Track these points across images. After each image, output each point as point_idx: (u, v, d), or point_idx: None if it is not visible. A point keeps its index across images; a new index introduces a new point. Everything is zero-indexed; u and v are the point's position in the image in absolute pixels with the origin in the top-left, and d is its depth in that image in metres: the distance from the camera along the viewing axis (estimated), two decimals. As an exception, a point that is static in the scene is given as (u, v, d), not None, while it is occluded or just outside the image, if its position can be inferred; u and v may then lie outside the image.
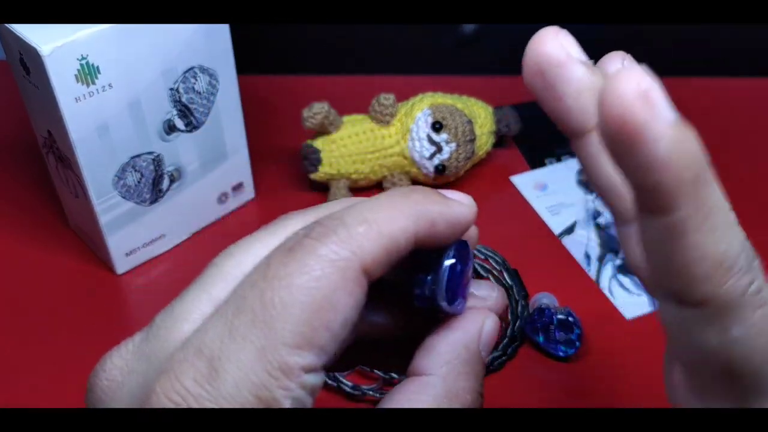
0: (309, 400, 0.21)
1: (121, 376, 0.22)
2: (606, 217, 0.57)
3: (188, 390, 0.20)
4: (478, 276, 0.51)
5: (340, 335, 0.21)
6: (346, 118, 0.57)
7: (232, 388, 0.20)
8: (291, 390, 0.21)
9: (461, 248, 0.26)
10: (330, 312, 0.21)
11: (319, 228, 0.22)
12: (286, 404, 0.21)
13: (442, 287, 0.25)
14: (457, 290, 0.25)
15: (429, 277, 0.25)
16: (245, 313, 0.21)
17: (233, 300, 0.22)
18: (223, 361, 0.20)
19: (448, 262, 0.25)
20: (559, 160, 0.62)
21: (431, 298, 0.25)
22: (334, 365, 0.24)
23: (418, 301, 0.25)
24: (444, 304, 0.25)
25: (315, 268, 0.21)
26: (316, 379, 0.21)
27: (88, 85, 0.44)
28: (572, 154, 0.63)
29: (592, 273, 0.53)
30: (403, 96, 0.59)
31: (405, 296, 0.26)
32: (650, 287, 0.24)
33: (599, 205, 0.58)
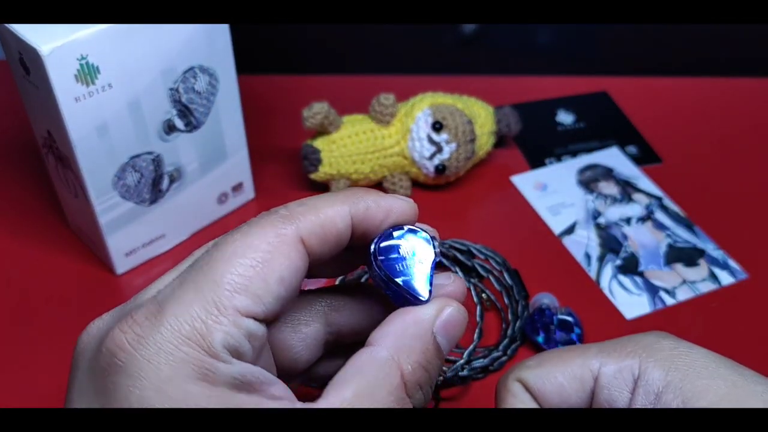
0: (246, 344, 0.24)
1: (97, 330, 0.25)
2: (606, 217, 0.57)
3: (138, 323, 0.23)
4: (478, 276, 0.51)
5: (276, 290, 0.24)
6: (346, 118, 0.57)
7: (173, 321, 0.23)
8: (223, 324, 0.23)
9: (408, 235, 0.29)
10: (267, 268, 0.24)
11: (267, 212, 0.26)
12: (218, 338, 0.23)
13: (374, 264, 0.28)
14: (397, 271, 0.28)
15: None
16: (195, 267, 0.25)
17: (189, 261, 0.27)
18: (171, 301, 0.24)
19: (376, 241, 0.28)
20: (559, 160, 0.62)
21: (379, 278, 0.28)
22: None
23: (375, 282, 0.29)
24: (379, 275, 0.28)
25: (258, 235, 0.25)
26: (254, 326, 0.24)
27: (87, 85, 0.44)
28: (572, 154, 0.63)
29: (592, 273, 0.53)
30: (403, 96, 0.59)
31: (382, 297, 0.30)
32: None
33: (599, 205, 0.58)
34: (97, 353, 0.24)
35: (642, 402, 0.28)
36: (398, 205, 0.28)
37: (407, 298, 0.28)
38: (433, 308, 0.28)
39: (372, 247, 0.28)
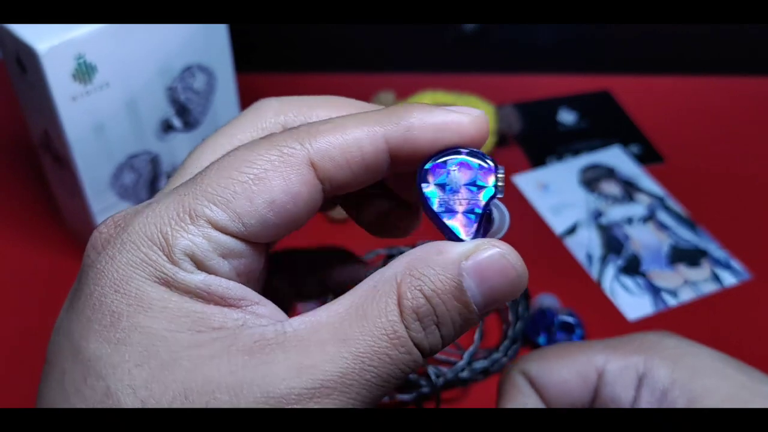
0: (215, 258, 0.22)
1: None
2: (608, 218, 0.57)
3: (115, 224, 0.23)
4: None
5: (263, 213, 0.22)
6: (345, 117, 0.57)
7: (143, 222, 0.22)
8: (191, 233, 0.22)
9: (467, 160, 0.23)
10: (256, 186, 0.22)
11: (290, 128, 0.23)
12: (181, 244, 0.22)
13: (419, 192, 0.23)
14: (442, 204, 0.23)
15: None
16: (186, 178, 0.23)
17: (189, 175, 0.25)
18: (151, 204, 0.23)
19: (423, 164, 0.23)
20: (560, 159, 0.62)
21: (425, 210, 0.24)
22: None
23: (419, 197, 0.24)
24: (424, 206, 0.23)
25: (260, 149, 0.22)
26: (231, 242, 0.22)
27: (84, 84, 0.44)
28: (574, 154, 0.62)
29: (594, 274, 0.53)
30: (403, 94, 0.58)
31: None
32: None
33: (601, 205, 0.58)
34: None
35: (647, 400, 0.28)
36: (453, 119, 0.23)
37: (450, 237, 0.23)
38: (470, 245, 0.23)
39: (418, 171, 0.23)
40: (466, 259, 0.22)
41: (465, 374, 0.45)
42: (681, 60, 0.72)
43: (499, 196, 0.24)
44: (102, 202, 0.48)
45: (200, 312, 0.22)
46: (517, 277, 0.23)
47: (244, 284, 0.23)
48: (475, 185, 0.24)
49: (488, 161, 0.24)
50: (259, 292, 0.23)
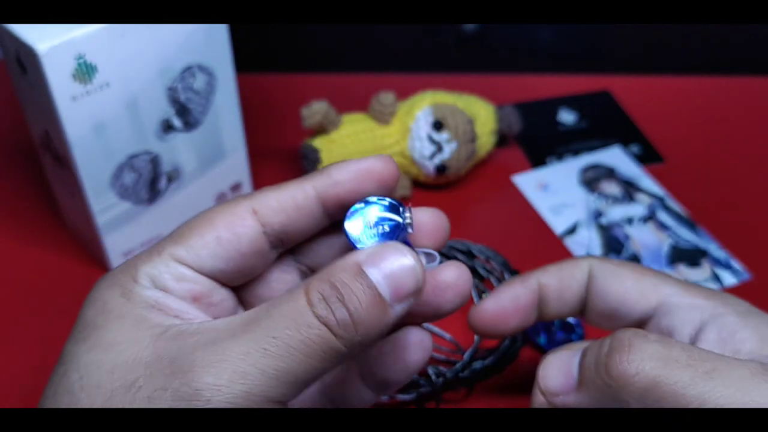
0: (171, 282, 0.28)
1: None
2: (608, 218, 0.57)
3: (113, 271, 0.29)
4: (479, 277, 0.51)
5: (212, 247, 0.28)
6: (345, 117, 0.57)
7: (125, 262, 0.28)
8: (153, 261, 0.28)
9: (372, 206, 0.28)
10: (207, 227, 0.28)
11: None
12: (143, 269, 0.27)
13: (344, 222, 0.28)
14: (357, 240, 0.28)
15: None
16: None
17: None
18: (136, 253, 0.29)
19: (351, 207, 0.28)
20: (560, 159, 0.62)
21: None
22: None
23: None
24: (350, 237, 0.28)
25: (215, 209, 0.29)
26: (186, 271, 0.28)
27: (84, 84, 0.44)
28: (574, 154, 0.62)
29: (594, 274, 0.53)
30: (403, 94, 0.59)
31: None
32: None
33: (601, 205, 0.58)
34: None
35: (711, 338, 0.29)
36: (366, 164, 0.28)
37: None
38: (369, 248, 0.26)
39: (344, 217, 0.28)
40: (365, 256, 0.26)
41: (465, 374, 0.45)
42: (681, 60, 0.72)
43: (409, 231, 0.28)
44: (102, 202, 0.48)
45: (145, 315, 0.27)
46: (411, 266, 0.26)
47: (214, 313, 0.29)
48: (386, 220, 0.28)
49: (394, 202, 0.28)
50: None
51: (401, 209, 0.28)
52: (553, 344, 0.46)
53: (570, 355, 0.31)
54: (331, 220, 0.29)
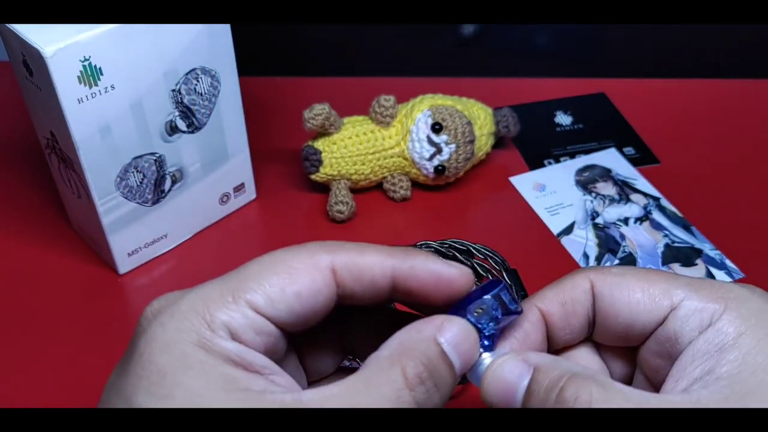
0: (250, 333, 0.26)
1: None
2: (603, 218, 0.57)
3: (167, 298, 0.27)
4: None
5: (291, 302, 0.27)
6: (346, 120, 0.58)
7: (192, 298, 0.26)
8: (231, 309, 0.26)
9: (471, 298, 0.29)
10: (288, 280, 0.27)
11: (318, 241, 0.29)
12: (221, 317, 0.26)
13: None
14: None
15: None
16: (239, 269, 0.28)
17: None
18: (201, 286, 0.27)
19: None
20: (557, 161, 0.63)
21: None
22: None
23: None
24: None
25: (295, 255, 0.27)
26: (262, 322, 0.26)
27: (90, 87, 0.44)
28: (570, 155, 0.63)
29: (590, 273, 0.53)
30: (403, 97, 0.59)
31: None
32: None
33: (597, 206, 0.58)
34: None
35: (701, 348, 0.28)
36: (448, 271, 0.29)
37: None
38: (436, 320, 0.28)
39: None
40: (440, 331, 0.27)
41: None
42: (676, 63, 0.73)
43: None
44: (107, 203, 0.49)
45: (231, 375, 0.25)
46: (472, 336, 0.28)
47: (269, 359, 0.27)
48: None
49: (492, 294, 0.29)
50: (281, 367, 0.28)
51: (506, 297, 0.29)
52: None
53: (514, 380, 0.29)
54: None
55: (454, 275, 0.29)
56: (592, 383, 0.27)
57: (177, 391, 0.24)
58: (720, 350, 0.27)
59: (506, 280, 0.51)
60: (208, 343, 0.25)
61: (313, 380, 0.32)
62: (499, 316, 0.29)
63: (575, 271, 0.32)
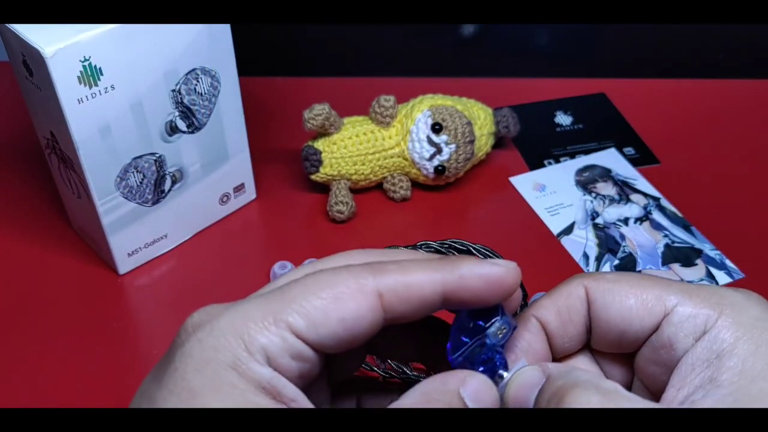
0: (286, 359, 0.25)
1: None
2: (603, 218, 0.57)
3: (208, 312, 0.26)
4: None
5: (334, 327, 0.26)
6: (346, 120, 0.58)
7: (232, 316, 0.26)
8: (271, 332, 0.25)
9: (491, 316, 0.29)
10: (333, 305, 0.26)
11: (361, 258, 0.28)
12: (260, 340, 0.25)
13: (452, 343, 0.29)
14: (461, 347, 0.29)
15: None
16: (281, 287, 0.27)
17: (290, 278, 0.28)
18: (243, 303, 0.26)
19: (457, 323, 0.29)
20: (557, 161, 0.63)
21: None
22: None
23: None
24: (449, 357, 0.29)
25: (340, 277, 0.26)
26: (302, 347, 0.26)
27: (90, 87, 0.44)
28: (570, 156, 0.63)
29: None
30: (403, 98, 0.59)
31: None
32: None
33: (597, 206, 0.58)
34: None
35: (699, 356, 0.28)
36: (496, 272, 0.28)
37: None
38: (460, 375, 0.28)
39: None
40: (463, 385, 0.27)
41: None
42: (676, 63, 0.73)
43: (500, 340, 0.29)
44: (107, 203, 0.49)
45: (258, 403, 0.25)
46: (495, 393, 0.28)
47: (303, 385, 0.26)
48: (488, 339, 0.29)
49: (499, 321, 0.29)
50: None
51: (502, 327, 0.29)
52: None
53: (529, 391, 0.29)
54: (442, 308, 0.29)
55: (503, 275, 0.28)
56: (593, 392, 0.26)
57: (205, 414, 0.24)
58: (718, 357, 0.27)
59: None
60: (242, 366, 0.25)
61: (336, 380, 0.32)
62: (503, 342, 0.29)
63: (570, 278, 0.32)
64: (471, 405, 0.27)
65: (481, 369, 0.29)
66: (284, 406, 0.25)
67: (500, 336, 0.29)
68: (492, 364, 0.29)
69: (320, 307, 0.26)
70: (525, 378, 0.29)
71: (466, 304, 0.28)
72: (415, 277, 0.27)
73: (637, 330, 0.29)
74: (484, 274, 0.27)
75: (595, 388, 0.27)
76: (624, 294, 0.30)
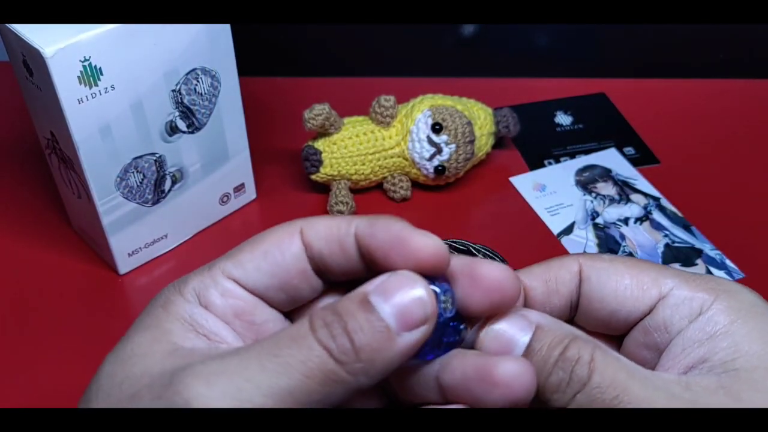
0: (215, 296, 0.28)
1: None
2: (604, 218, 0.58)
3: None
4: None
5: (258, 262, 0.28)
6: (346, 120, 0.58)
7: (182, 278, 0.28)
8: (202, 275, 0.28)
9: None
10: (256, 243, 0.28)
11: None
12: (191, 283, 0.28)
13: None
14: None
15: None
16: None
17: None
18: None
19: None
20: (557, 161, 0.63)
21: None
22: None
23: None
24: None
25: (268, 229, 0.29)
26: (231, 286, 0.28)
27: (90, 87, 0.44)
28: (570, 155, 0.63)
29: (590, 273, 0.53)
30: (403, 97, 0.59)
31: None
32: None
33: (597, 206, 0.58)
34: None
35: (692, 336, 0.28)
36: (409, 235, 0.26)
37: None
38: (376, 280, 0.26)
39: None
40: (373, 286, 0.26)
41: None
42: (676, 63, 0.73)
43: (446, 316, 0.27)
44: (108, 203, 0.49)
45: (171, 329, 0.27)
46: (419, 297, 0.25)
47: (238, 327, 0.28)
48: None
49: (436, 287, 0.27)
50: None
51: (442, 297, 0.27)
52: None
53: (514, 334, 0.28)
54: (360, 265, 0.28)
55: (419, 240, 0.26)
56: (594, 346, 0.27)
57: (121, 343, 0.27)
58: (711, 338, 0.27)
59: None
60: (170, 304, 0.27)
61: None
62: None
63: (566, 255, 0.32)
64: (376, 299, 0.25)
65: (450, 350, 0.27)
66: (204, 339, 0.27)
67: (450, 307, 0.27)
68: (456, 332, 0.27)
69: (247, 249, 0.28)
70: (505, 324, 0.27)
71: (376, 261, 0.27)
72: (336, 220, 0.28)
73: (630, 311, 0.29)
74: (395, 231, 0.26)
75: (594, 343, 0.27)
76: (620, 274, 0.30)
